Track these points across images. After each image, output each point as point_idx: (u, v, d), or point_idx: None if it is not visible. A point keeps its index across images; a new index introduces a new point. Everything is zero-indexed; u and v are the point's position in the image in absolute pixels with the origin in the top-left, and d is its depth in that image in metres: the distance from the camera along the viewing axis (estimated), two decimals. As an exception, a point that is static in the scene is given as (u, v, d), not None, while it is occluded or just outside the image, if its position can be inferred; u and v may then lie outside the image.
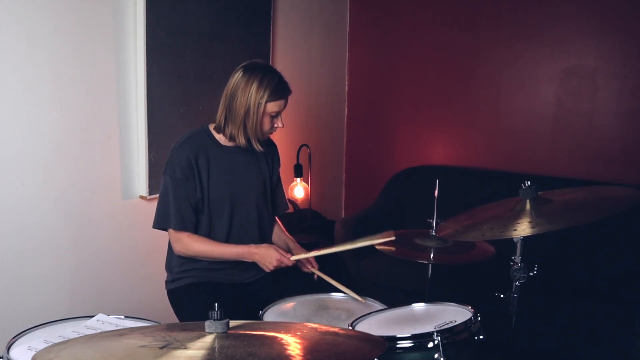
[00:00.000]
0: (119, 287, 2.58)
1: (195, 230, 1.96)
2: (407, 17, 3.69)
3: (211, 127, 2.00)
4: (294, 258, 1.96)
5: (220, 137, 1.98)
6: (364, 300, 1.85)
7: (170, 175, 1.91)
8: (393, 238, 1.82)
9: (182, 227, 1.92)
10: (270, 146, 2.14)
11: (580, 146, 3.19)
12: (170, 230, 1.94)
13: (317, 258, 2.09)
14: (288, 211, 2.29)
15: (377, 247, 1.95)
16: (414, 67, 3.70)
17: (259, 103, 1.87)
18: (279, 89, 1.89)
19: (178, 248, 1.95)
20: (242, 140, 1.93)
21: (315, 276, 2.04)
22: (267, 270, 1.95)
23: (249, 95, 1.87)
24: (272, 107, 1.90)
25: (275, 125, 1.96)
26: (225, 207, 1.98)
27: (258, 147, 1.96)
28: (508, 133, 3.41)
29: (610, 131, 3.11)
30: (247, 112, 1.88)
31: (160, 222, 1.95)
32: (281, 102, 1.92)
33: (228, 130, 1.93)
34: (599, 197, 1.71)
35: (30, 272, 2.25)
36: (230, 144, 1.99)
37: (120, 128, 2.50)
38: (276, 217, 2.22)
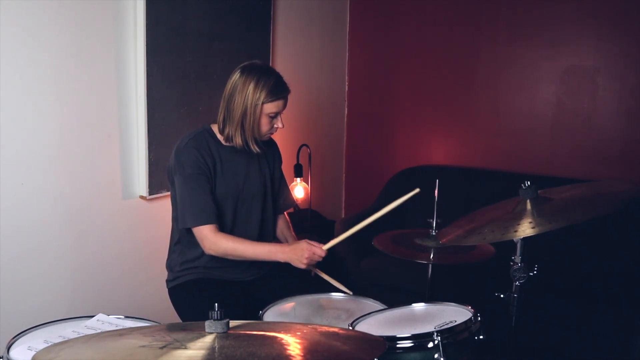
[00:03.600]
0: (119, 287, 2.57)
1: (219, 219, 1.91)
2: (407, 17, 3.69)
3: (213, 127, 2.00)
4: (326, 247, 1.88)
5: (222, 137, 1.98)
6: (350, 292, 1.88)
7: (180, 173, 1.89)
8: (418, 190, 1.83)
9: (200, 221, 1.86)
10: (270, 145, 2.15)
11: (580, 146, 3.19)
12: (194, 229, 1.89)
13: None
14: (288, 211, 2.29)
15: (375, 244, 2.02)
16: (414, 67, 3.70)
17: (255, 104, 1.87)
18: (275, 89, 1.88)
19: (207, 245, 1.88)
20: (238, 141, 1.92)
21: (313, 273, 2.03)
22: (302, 267, 1.86)
23: (246, 97, 1.86)
24: (270, 107, 1.89)
25: (275, 125, 1.96)
26: (228, 205, 1.98)
27: (255, 149, 1.95)
28: (508, 133, 3.41)
29: (610, 131, 3.11)
30: (244, 113, 1.88)
31: (183, 222, 1.90)
32: (279, 102, 1.90)
33: (227, 131, 1.93)
34: (599, 192, 1.70)
35: (31, 272, 2.24)
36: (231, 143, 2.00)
37: (120, 128, 2.50)
38: (285, 214, 2.23)
